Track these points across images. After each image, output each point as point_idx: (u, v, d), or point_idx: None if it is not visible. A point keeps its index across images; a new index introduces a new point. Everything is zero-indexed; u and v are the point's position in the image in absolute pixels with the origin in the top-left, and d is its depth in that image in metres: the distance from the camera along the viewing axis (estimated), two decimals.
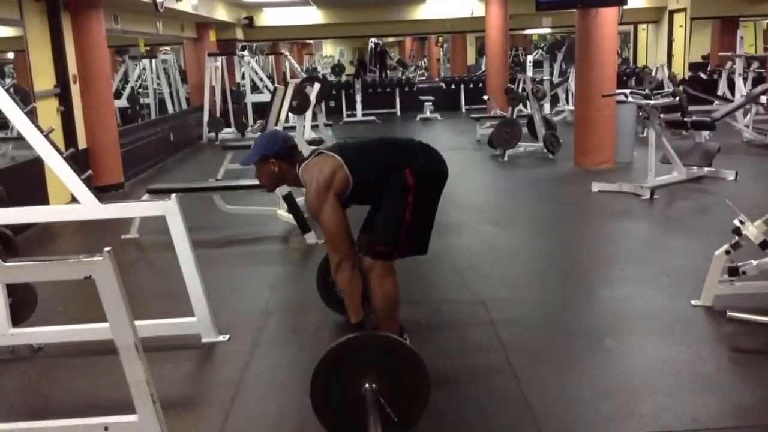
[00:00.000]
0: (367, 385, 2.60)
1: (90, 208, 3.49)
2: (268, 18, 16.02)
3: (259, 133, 4.52)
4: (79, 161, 5.07)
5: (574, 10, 8.32)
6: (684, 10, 15.04)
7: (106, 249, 2.06)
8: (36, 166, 6.11)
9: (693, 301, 3.88)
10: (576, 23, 8.32)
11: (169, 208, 3.52)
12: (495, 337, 3.60)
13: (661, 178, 6.81)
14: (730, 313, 3.51)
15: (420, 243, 3.14)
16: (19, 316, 3.59)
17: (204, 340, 3.65)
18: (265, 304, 4.24)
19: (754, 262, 3.68)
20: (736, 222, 3.64)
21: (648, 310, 3.90)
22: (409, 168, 2.99)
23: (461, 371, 3.27)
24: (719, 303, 3.78)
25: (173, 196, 3.57)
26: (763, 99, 9.15)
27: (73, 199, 3.56)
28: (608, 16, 7.99)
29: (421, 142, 3.22)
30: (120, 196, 7.90)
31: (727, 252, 3.69)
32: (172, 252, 3.59)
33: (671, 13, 15.62)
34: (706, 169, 7.19)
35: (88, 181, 3.52)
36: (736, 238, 3.64)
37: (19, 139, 3.61)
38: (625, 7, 8.50)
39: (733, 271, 3.70)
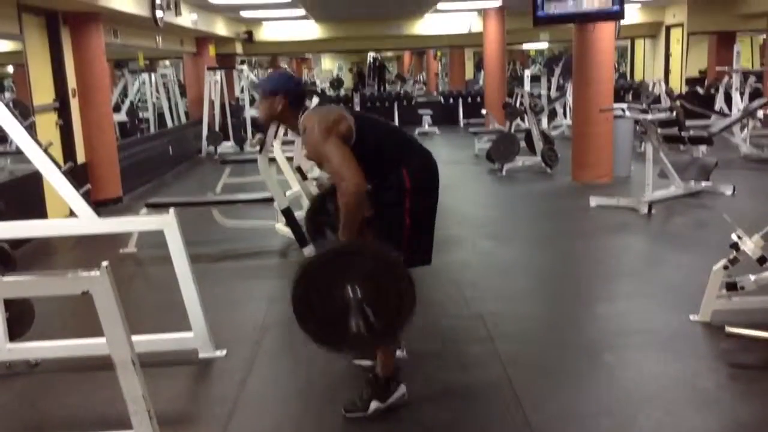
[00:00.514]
0: (351, 293, 2.58)
1: (88, 222, 3.48)
2: (268, 32, 16.10)
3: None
4: (77, 175, 5.08)
5: (572, 24, 8.37)
6: (681, 25, 15.14)
7: (104, 264, 2.06)
8: (34, 180, 6.10)
9: (691, 316, 3.88)
10: (573, 38, 8.36)
11: (167, 223, 3.52)
12: (494, 352, 3.60)
13: (659, 193, 6.82)
14: (728, 329, 3.49)
15: (423, 254, 3.06)
16: (16, 331, 3.58)
17: (201, 355, 3.64)
18: (262, 319, 4.23)
19: (752, 277, 3.68)
20: (734, 237, 3.64)
21: (646, 325, 3.90)
22: (406, 168, 2.94)
23: (460, 386, 3.26)
24: (718, 318, 3.77)
25: (172, 210, 3.56)
26: (760, 113, 9.18)
27: (72, 214, 3.56)
28: (605, 30, 8.03)
29: (421, 144, 3.17)
30: (118, 210, 7.89)
31: (725, 267, 3.69)
32: (170, 266, 3.59)
33: (668, 28, 15.73)
34: (703, 183, 7.19)
35: (86, 196, 3.51)
36: (734, 253, 3.64)
37: (18, 153, 3.61)
38: (622, 22, 8.55)
39: (732, 287, 3.70)
